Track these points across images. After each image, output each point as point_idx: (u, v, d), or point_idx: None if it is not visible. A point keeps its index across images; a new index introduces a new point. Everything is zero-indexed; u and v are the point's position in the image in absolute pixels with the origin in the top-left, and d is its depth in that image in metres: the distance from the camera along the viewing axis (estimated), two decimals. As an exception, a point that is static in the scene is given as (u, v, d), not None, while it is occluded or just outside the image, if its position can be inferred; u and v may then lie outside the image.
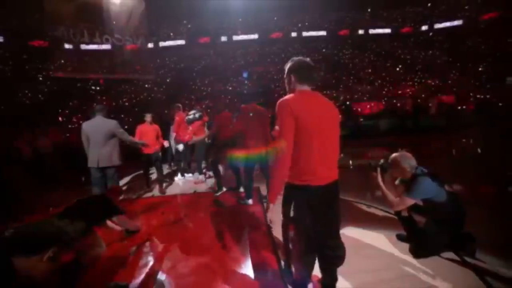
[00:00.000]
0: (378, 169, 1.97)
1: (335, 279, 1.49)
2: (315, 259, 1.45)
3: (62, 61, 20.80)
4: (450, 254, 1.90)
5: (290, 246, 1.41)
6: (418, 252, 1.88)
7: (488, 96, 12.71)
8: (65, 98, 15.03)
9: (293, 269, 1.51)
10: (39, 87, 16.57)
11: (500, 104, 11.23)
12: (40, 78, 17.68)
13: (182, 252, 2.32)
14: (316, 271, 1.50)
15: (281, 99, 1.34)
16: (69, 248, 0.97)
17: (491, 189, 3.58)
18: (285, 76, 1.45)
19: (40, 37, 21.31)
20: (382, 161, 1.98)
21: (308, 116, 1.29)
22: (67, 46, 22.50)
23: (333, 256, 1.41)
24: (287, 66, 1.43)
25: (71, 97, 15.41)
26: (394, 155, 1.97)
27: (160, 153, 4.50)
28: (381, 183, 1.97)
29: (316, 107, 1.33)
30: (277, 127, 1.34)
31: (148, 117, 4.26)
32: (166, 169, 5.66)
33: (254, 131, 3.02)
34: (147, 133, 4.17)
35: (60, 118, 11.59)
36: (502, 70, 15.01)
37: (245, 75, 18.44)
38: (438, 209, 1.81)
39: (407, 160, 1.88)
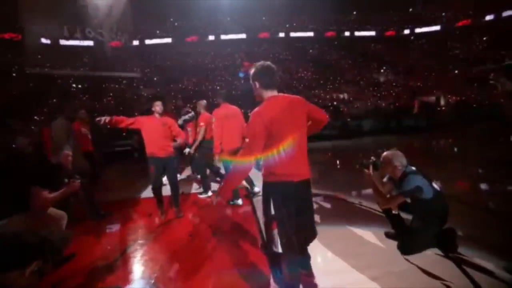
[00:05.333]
0: (371, 167, 2.01)
1: (309, 258, 1.63)
2: (299, 254, 1.51)
3: (39, 56, 19.63)
4: (435, 250, 1.97)
5: (275, 243, 1.47)
6: (406, 248, 1.93)
7: (463, 98, 13.44)
8: (43, 95, 14.16)
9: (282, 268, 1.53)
10: (13, 83, 15.50)
11: (474, 105, 11.92)
12: (14, 74, 16.55)
13: (170, 255, 2.25)
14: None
15: (253, 112, 1.40)
16: (55, 259, 0.88)
17: (466, 185, 3.77)
18: (251, 82, 1.49)
19: (13, 30, 19.94)
20: (373, 159, 2.03)
21: (279, 123, 1.36)
22: (44, 40, 21.29)
23: (306, 238, 1.54)
24: (251, 72, 1.47)
25: (49, 95, 14.55)
26: (385, 153, 2.02)
27: (175, 159, 3.20)
28: (373, 181, 2.01)
29: (285, 112, 1.40)
30: (247, 140, 1.37)
31: (158, 105, 2.92)
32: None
33: (230, 132, 3.04)
34: (154, 129, 2.86)
35: (37, 117, 10.91)
36: (475, 74, 16.04)
37: (241, 75, 18.34)
38: (425, 206, 1.87)
39: (399, 158, 1.94)
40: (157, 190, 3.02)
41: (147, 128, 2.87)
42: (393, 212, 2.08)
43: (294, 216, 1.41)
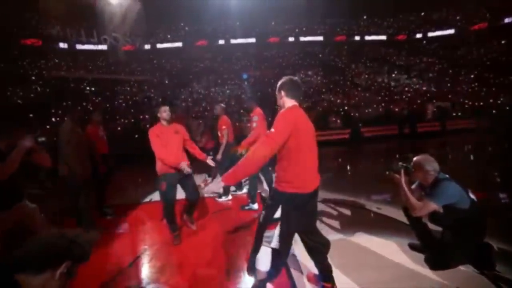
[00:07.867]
0: (402, 172, 1.90)
1: (331, 269, 1.67)
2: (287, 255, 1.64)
3: (56, 60, 20.45)
4: (468, 266, 1.82)
5: (266, 244, 1.51)
6: (436, 263, 1.80)
7: (481, 104, 12.96)
8: (58, 98, 14.67)
9: (258, 266, 1.55)
10: (32, 86, 16.15)
11: (494, 111, 11.45)
12: (33, 78, 17.25)
13: (184, 262, 2.19)
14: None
15: (286, 110, 1.54)
16: (84, 261, 0.89)
17: (484, 195, 3.51)
18: (276, 91, 1.64)
19: (34, 36, 20.91)
20: (402, 164, 1.91)
21: (301, 128, 1.47)
22: (62, 45, 22.24)
23: (320, 245, 1.63)
24: (279, 83, 1.63)
25: (64, 97, 15.06)
26: (416, 158, 1.90)
27: (190, 171, 2.43)
28: (405, 186, 1.88)
29: (306, 121, 1.53)
30: (272, 129, 1.43)
31: (165, 111, 2.41)
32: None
33: (259, 134, 3.08)
34: (166, 140, 2.38)
35: (53, 119, 11.27)
36: (491, 78, 15.53)
37: (244, 76, 18.59)
38: (460, 217, 1.73)
39: (431, 163, 1.82)
40: (170, 212, 2.43)
41: (161, 139, 2.38)
42: (426, 221, 1.94)
43: (301, 221, 1.53)
